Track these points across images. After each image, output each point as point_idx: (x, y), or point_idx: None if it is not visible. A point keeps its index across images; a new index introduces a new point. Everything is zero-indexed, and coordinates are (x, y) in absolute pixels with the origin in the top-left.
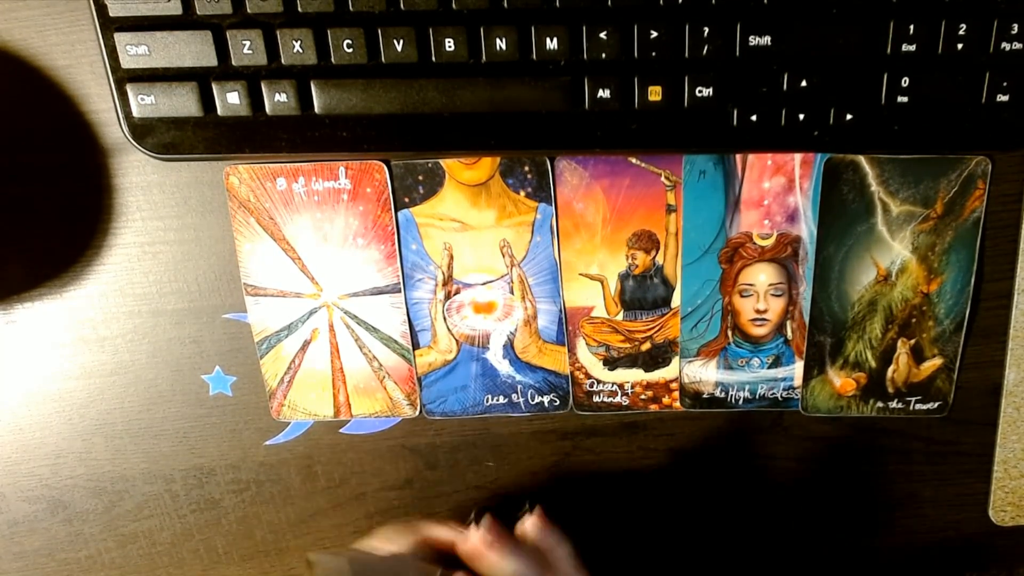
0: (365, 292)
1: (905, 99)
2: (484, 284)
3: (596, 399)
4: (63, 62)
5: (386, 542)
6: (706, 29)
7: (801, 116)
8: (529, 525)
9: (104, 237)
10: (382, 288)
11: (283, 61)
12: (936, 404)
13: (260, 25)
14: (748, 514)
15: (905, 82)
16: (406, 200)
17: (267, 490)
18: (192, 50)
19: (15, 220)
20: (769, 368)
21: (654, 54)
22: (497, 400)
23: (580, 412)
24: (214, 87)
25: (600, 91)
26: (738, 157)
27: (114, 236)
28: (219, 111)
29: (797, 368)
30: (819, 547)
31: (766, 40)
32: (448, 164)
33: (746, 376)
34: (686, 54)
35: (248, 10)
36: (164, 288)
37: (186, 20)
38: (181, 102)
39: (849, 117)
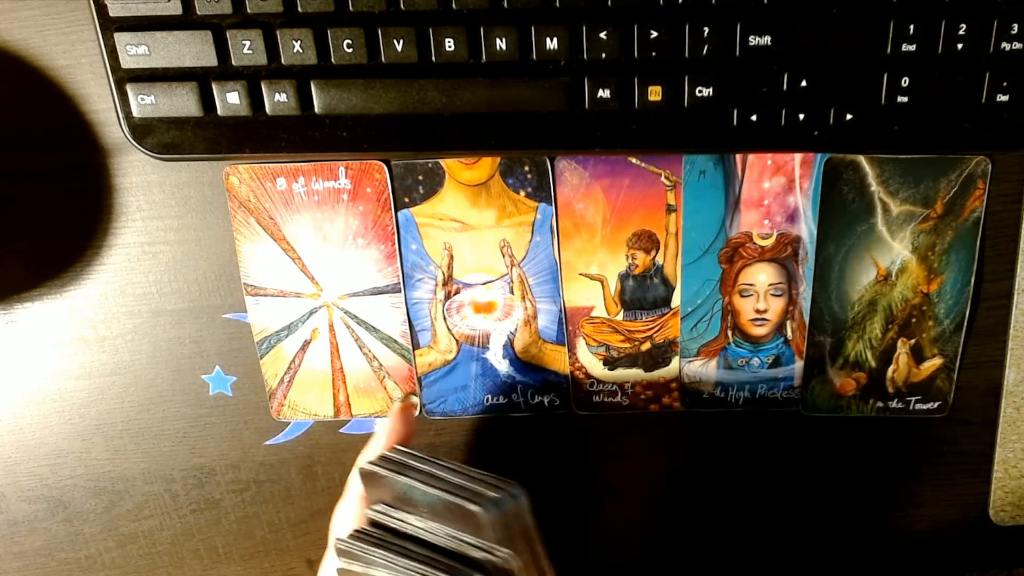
0: (365, 292)
1: (905, 99)
2: (484, 284)
3: (596, 399)
4: (63, 62)
5: None
6: (706, 29)
7: (801, 116)
8: None
9: (104, 237)
10: (382, 288)
11: (283, 61)
12: (936, 404)
13: (260, 25)
14: (748, 514)
15: (905, 82)
16: (406, 200)
17: (267, 490)
18: (192, 50)
19: (15, 220)
20: (769, 368)
21: (654, 54)
22: (497, 400)
23: (580, 412)
24: (214, 87)
25: (600, 91)
26: (738, 157)
27: (114, 236)
28: (219, 111)
29: (797, 368)
30: (819, 547)
31: (766, 40)
32: (448, 164)
33: (746, 376)
34: (686, 54)
35: (248, 10)
36: (164, 288)
37: (186, 20)
38: (181, 102)
39: (849, 117)
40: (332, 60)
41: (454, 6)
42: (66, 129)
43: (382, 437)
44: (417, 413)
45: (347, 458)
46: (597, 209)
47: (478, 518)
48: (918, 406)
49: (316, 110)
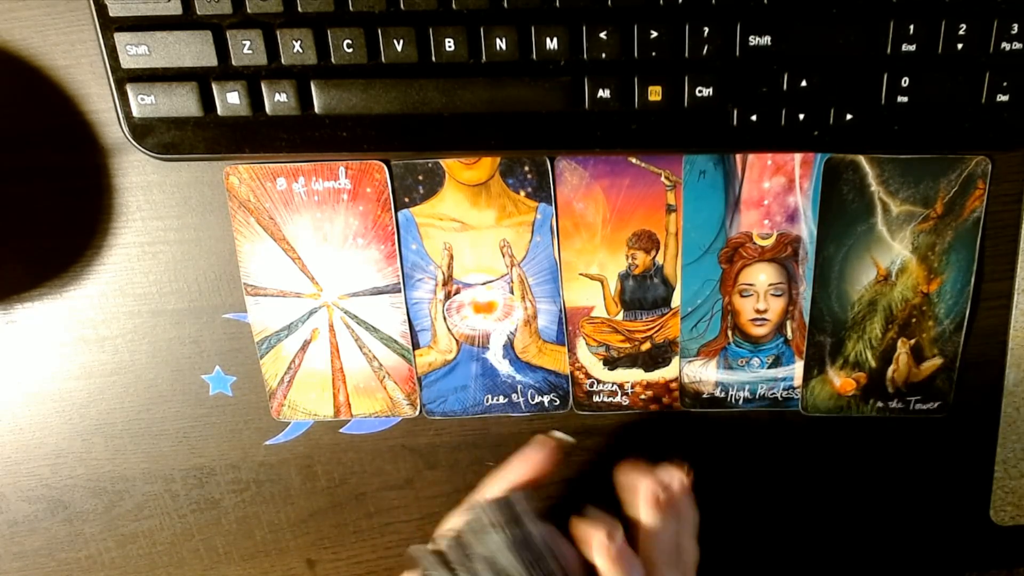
0: (365, 292)
1: (905, 99)
2: (484, 284)
3: (596, 399)
4: (63, 62)
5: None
6: (706, 29)
7: (801, 116)
8: (676, 483)
9: (104, 237)
10: (382, 288)
11: (283, 61)
12: (936, 404)
13: (260, 25)
14: (748, 514)
15: (905, 82)
16: (406, 200)
17: (267, 490)
18: (192, 50)
19: (15, 220)
20: (769, 368)
21: (654, 54)
22: (497, 400)
23: (580, 412)
24: (214, 87)
25: (600, 91)
26: (738, 157)
27: (114, 236)
28: (219, 111)
29: (797, 368)
30: (819, 547)
31: (766, 40)
32: (448, 164)
33: (746, 376)
34: (686, 54)
35: (248, 10)
36: (164, 288)
37: (186, 20)
38: (181, 102)
39: (849, 117)
40: (332, 60)
41: (454, 6)
42: (66, 129)
43: (515, 471)
44: (416, 414)
45: (347, 458)
46: (597, 209)
47: None
48: (918, 406)
49: (316, 110)
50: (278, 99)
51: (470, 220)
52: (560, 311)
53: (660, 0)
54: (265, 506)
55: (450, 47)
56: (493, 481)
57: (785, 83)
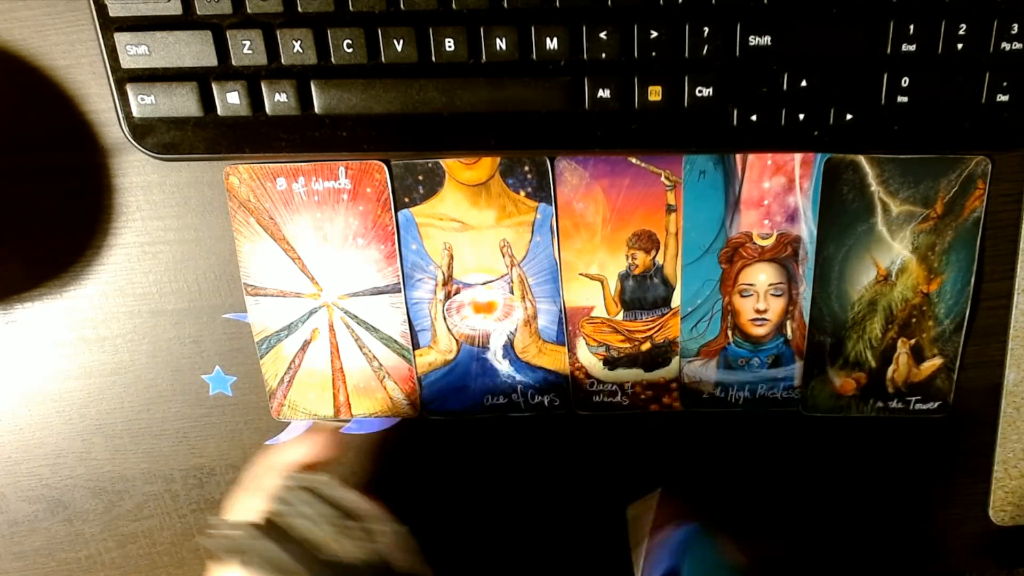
0: (365, 292)
1: (905, 99)
2: (484, 284)
3: (596, 399)
4: (63, 62)
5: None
6: (706, 29)
7: (801, 116)
8: None
9: (104, 237)
10: (382, 288)
11: (283, 61)
12: (936, 404)
13: (260, 25)
14: (748, 514)
15: (905, 82)
16: (406, 200)
17: None
18: (192, 50)
19: (15, 220)
20: (769, 368)
21: (654, 54)
22: (497, 400)
23: (580, 412)
24: (214, 87)
25: (600, 91)
26: (738, 157)
27: (114, 236)
28: (219, 111)
29: (797, 368)
30: (819, 547)
31: (766, 40)
32: (448, 164)
33: (746, 376)
34: (686, 54)
35: (248, 10)
36: (164, 288)
37: (186, 20)
38: (181, 102)
39: (849, 117)
40: (332, 60)
41: (454, 6)
42: (66, 129)
43: (292, 454)
44: (416, 414)
45: (347, 458)
46: (597, 209)
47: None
48: (918, 406)
49: (316, 110)
50: (278, 99)
51: (470, 220)
52: (560, 311)
53: (660, 0)
54: None
55: (450, 47)
56: (267, 456)
57: (785, 83)
